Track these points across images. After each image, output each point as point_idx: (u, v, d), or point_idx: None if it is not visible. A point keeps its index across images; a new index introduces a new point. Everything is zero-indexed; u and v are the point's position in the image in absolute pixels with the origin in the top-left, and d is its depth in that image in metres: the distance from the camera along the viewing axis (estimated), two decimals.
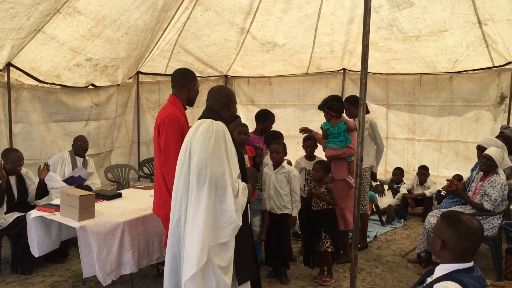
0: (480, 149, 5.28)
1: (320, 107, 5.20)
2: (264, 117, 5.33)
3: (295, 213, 4.52)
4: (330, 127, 5.00)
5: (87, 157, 5.85)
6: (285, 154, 4.59)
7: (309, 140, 5.12)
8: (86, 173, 5.46)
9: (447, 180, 5.11)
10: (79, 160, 5.70)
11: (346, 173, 5.01)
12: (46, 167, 5.08)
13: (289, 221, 4.49)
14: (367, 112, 5.13)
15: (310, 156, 5.15)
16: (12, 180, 4.87)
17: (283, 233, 4.48)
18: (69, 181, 5.34)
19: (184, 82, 3.60)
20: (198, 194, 2.75)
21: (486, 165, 4.74)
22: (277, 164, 4.52)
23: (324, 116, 5.14)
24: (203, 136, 2.79)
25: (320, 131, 5.26)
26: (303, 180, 5.15)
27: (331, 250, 4.41)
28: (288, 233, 4.62)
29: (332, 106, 5.02)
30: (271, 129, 5.35)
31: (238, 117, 5.38)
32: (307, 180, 5.14)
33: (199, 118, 3.04)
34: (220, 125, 2.89)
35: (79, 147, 5.70)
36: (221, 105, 3.07)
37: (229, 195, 2.77)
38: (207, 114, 3.04)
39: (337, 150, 4.95)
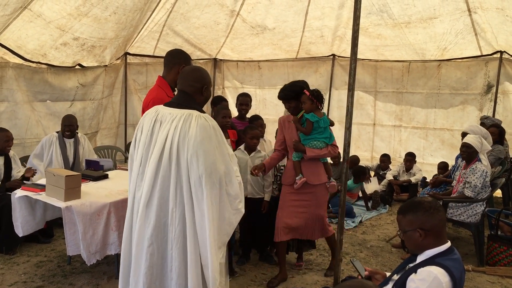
0: (465, 136, 5.34)
1: (291, 96, 4.01)
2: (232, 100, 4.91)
3: (267, 197, 4.44)
4: (320, 119, 3.96)
5: (79, 135, 5.60)
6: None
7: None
8: (109, 166, 5.40)
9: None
10: (68, 141, 5.45)
11: (325, 175, 4.13)
12: (32, 172, 4.90)
13: (262, 206, 4.42)
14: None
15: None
16: (1, 160, 4.80)
17: (264, 216, 4.43)
18: (90, 163, 5.33)
19: (174, 62, 3.42)
20: (211, 197, 2.57)
21: (467, 153, 4.84)
22: (253, 148, 4.41)
23: (302, 105, 3.99)
24: (202, 136, 2.55)
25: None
26: (272, 177, 4.60)
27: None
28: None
29: (319, 95, 3.98)
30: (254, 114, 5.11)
31: (225, 100, 5.30)
32: (276, 177, 4.65)
33: (172, 105, 2.74)
34: (212, 120, 2.68)
35: (62, 131, 5.47)
36: (194, 90, 2.76)
37: (235, 185, 2.71)
38: (183, 101, 2.74)
39: (322, 149, 3.97)
